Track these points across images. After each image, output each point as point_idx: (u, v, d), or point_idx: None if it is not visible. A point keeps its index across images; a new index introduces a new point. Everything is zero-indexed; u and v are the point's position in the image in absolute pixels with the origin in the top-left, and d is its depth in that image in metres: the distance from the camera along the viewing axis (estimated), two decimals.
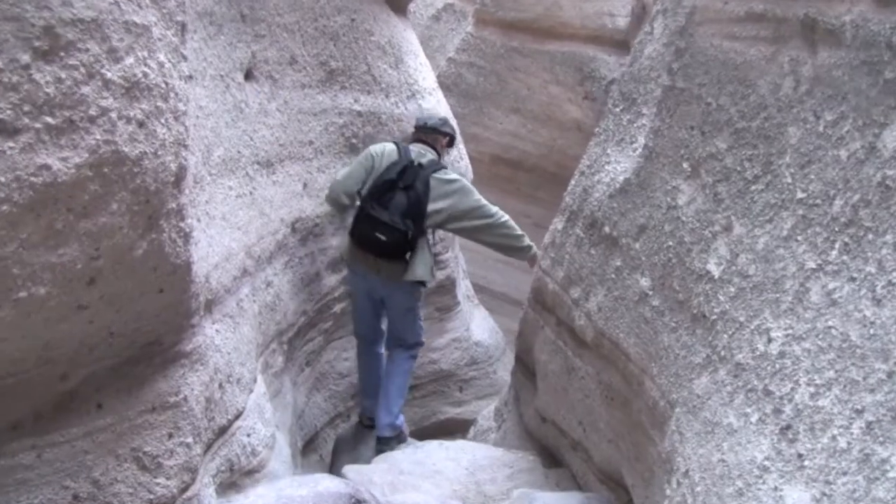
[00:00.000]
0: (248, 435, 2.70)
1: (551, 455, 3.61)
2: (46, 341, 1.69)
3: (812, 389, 1.51)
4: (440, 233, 4.39)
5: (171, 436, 2.13)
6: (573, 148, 6.86)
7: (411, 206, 3.86)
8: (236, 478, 2.64)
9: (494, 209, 4.06)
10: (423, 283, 4.09)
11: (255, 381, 2.87)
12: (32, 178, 1.42)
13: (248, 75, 3.37)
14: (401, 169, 3.92)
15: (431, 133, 4.23)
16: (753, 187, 1.96)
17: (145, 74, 1.62)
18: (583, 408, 3.00)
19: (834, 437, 1.41)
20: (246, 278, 3.01)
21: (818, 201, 1.71)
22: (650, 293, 2.40)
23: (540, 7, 7.29)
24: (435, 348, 5.25)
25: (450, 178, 4.03)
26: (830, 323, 1.54)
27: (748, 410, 1.67)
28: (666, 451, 2.05)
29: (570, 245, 3.21)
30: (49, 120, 1.42)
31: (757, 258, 1.86)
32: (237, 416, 2.64)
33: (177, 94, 1.77)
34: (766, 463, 1.53)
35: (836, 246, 1.61)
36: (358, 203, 3.96)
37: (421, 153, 4.08)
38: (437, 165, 4.06)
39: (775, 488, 1.48)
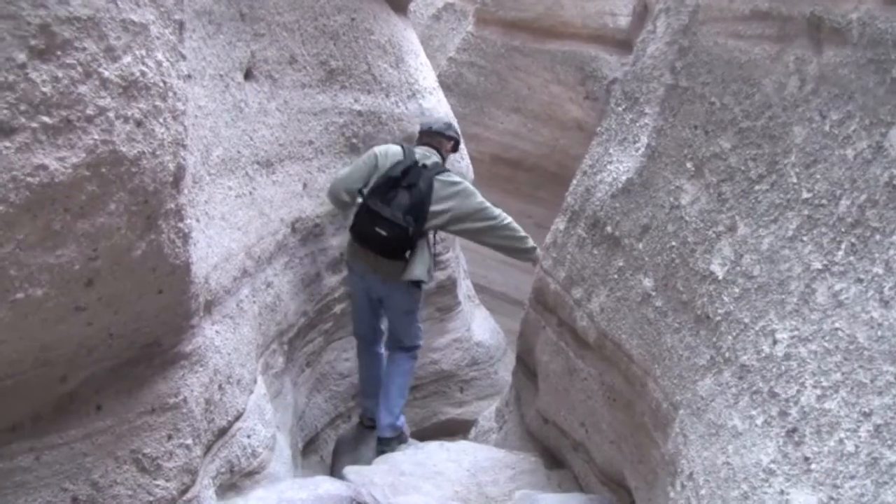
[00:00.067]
0: (249, 436, 2.68)
1: (553, 456, 3.59)
2: (44, 343, 1.68)
3: (818, 392, 1.49)
4: (441, 233, 4.38)
5: (170, 437, 2.12)
6: (574, 147, 6.86)
7: (413, 205, 3.87)
8: (236, 479, 2.63)
9: (497, 211, 4.07)
10: (420, 284, 4.08)
11: (255, 382, 2.86)
12: (29, 179, 1.40)
13: (248, 75, 3.35)
14: (405, 168, 3.93)
15: (436, 137, 4.26)
16: (758, 187, 1.95)
17: (143, 73, 1.61)
18: (585, 409, 2.99)
19: (841, 441, 1.39)
20: (246, 279, 3.00)
21: (824, 201, 1.69)
22: (653, 294, 2.38)
23: (541, 6, 7.27)
24: (436, 348, 5.24)
25: (453, 180, 4.05)
26: (837, 324, 1.52)
27: (753, 413, 1.65)
28: (669, 454, 2.03)
29: (571, 245, 3.20)
30: (46, 119, 1.40)
31: (762, 259, 1.84)
32: (237, 418, 2.62)
33: (175, 93, 1.76)
34: (772, 466, 1.52)
35: (843, 246, 1.59)
36: (360, 201, 3.96)
37: (425, 155, 4.11)
38: (441, 168, 4.09)
39: (781, 492, 1.47)
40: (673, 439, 2.01)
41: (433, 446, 3.98)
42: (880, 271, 1.47)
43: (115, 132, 1.55)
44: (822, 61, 1.80)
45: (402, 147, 4.11)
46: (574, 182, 3.44)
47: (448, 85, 7.35)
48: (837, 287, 1.56)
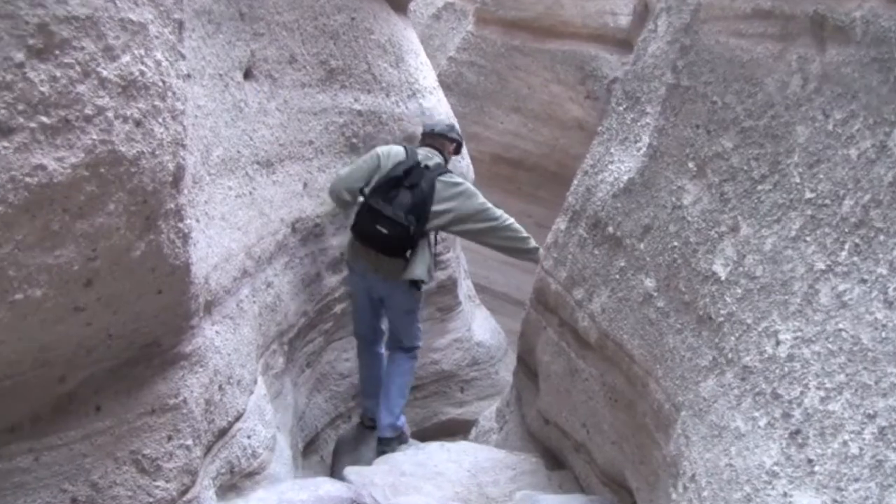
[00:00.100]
0: (249, 437, 2.68)
1: (554, 457, 3.58)
2: (43, 343, 1.67)
3: (822, 393, 1.48)
4: (441, 233, 4.38)
5: (170, 438, 2.11)
6: (574, 147, 6.84)
7: (415, 204, 3.88)
8: (237, 480, 2.62)
9: (499, 212, 4.09)
10: (419, 284, 4.07)
11: (255, 382, 2.85)
12: (27, 179, 1.40)
13: (248, 74, 3.35)
14: (407, 168, 3.95)
15: (439, 138, 4.29)
16: (760, 187, 1.94)
17: (142, 73, 1.60)
18: (586, 409, 2.98)
19: (845, 443, 1.38)
20: (246, 279, 2.99)
21: (827, 201, 1.68)
22: (655, 294, 2.37)
23: (541, 6, 7.26)
24: (436, 349, 5.23)
25: (455, 181, 4.07)
26: (841, 325, 1.51)
27: (756, 414, 1.64)
28: (671, 455, 2.02)
29: (572, 245, 3.19)
30: (44, 119, 1.40)
31: (764, 259, 1.83)
32: (237, 418, 2.61)
33: (174, 92, 1.75)
34: (776, 468, 1.51)
35: (846, 247, 1.58)
36: (361, 199, 3.96)
37: (428, 156, 4.13)
38: (443, 169, 4.11)
39: (784, 494, 1.45)
40: (675, 440, 2.00)
41: (434, 447, 3.98)
42: (884, 272, 1.46)
43: (113, 132, 1.54)
44: (825, 60, 1.79)
45: (405, 148, 4.13)
46: (575, 182, 3.43)
47: (448, 84, 7.34)
48: (841, 288, 1.55)
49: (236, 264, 2.85)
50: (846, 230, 1.59)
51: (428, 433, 5.00)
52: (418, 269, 3.97)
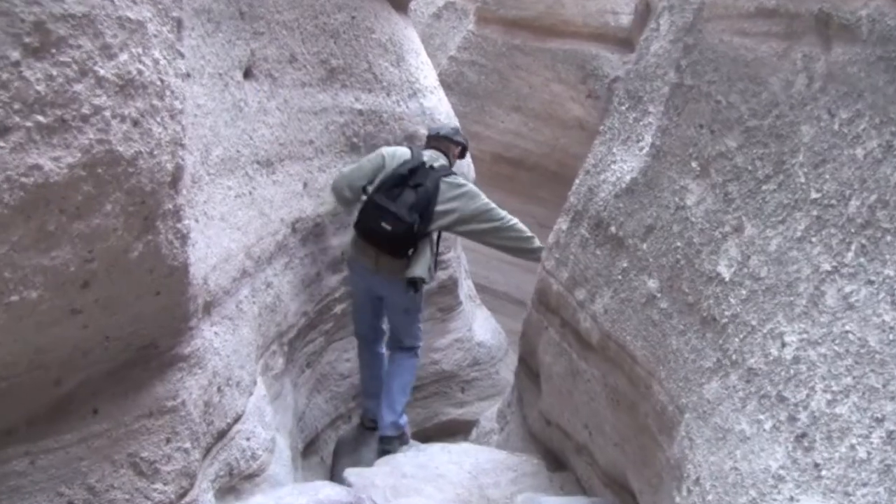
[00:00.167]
0: (248, 439, 2.66)
1: (556, 458, 3.56)
2: (38, 346, 1.65)
3: (829, 396, 1.46)
4: (442, 234, 4.37)
5: (168, 441, 2.09)
6: (575, 147, 6.83)
7: (419, 203, 3.90)
8: (236, 482, 2.60)
9: (503, 213, 4.12)
10: (419, 284, 4.06)
11: (254, 383, 2.83)
12: (23, 179, 1.38)
13: (248, 73, 3.33)
14: (412, 167, 3.98)
15: (444, 141, 4.33)
16: (765, 187, 1.91)
17: (140, 72, 1.58)
18: (588, 411, 2.96)
19: (852, 447, 1.36)
20: (245, 279, 2.97)
21: (833, 202, 1.66)
22: (658, 295, 2.35)
23: (542, 5, 7.25)
24: (437, 349, 5.22)
25: (459, 182, 4.11)
26: (847, 327, 1.49)
27: (761, 417, 1.62)
28: (675, 458, 2.00)
29: (574, 245, 3.17)
30: (40, 119, 1.38)
31: (769, 260, 1.81)
32: (236, 420, 2.60)
33: (173, 91, 1.73)
34: (781, 472, 1.49)
35: (853, 248, 1.56)
36: (363, 198, 3.96)
37: (433, 157, 4.17)
38: (448, 170, 4.15)
39: (791, 498, 1.43)
40: (679, 443, 1.98)
41: (435, 448, 3.96)
42: (891, 273, 1.44)
43: (111, 132, 1.52)
44: (830, 59, 1.77)
45: (411, 149, 4.17)
46: (577, 182, 3.41)
47: (449, 84, 7.32)
48: (847, 289, 1.53)
49: (236, 265, 2.83)
50: (852, 231, 1.57)
51: (428, 433, 4.99)
52: (419, 268, 3.97)
